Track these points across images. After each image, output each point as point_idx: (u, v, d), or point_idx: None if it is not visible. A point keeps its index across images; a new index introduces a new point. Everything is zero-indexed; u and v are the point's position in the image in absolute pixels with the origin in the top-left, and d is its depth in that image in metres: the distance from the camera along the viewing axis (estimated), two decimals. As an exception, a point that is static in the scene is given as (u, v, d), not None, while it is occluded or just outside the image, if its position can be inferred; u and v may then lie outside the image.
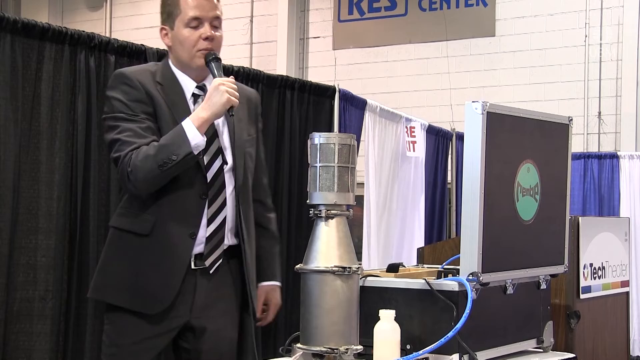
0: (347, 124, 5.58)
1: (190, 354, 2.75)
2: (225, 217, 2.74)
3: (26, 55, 3.58)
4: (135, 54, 4.03)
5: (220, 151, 2.74)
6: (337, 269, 2.60)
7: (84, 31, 3.83)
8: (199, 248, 2.70)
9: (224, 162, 2.74)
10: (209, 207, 2.70)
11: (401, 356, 2.66)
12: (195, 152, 2.60)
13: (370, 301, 2.78)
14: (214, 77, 2.75)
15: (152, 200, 2.64)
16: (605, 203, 7.73)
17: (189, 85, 2.77)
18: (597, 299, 4.22)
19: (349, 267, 2.61)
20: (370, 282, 2.89)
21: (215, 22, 2.76)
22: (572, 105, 8.73)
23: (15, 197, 3.53)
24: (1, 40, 3.47)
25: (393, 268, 3.25)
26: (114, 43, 3.94)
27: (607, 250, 4.36)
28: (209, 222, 2.71)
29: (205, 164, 2.70)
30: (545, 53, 8.98)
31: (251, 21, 10.55)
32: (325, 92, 5.48)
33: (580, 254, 4.11)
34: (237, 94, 2.67)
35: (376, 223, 5.93)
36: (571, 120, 3.28)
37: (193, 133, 2.58)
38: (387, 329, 2.67)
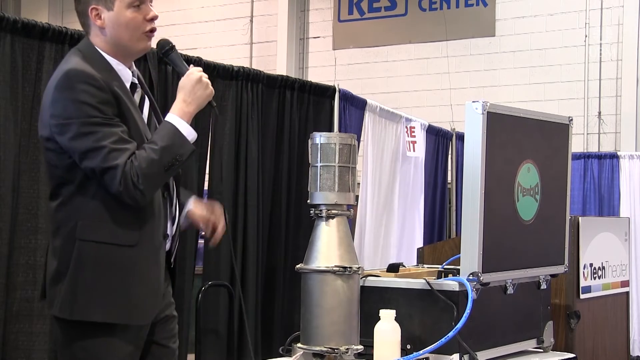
0: (347, 124, 5.58)
1: (160, 343, 2.65)
2: (176, 213, 2.68)
3: (26, 55, 3.58)
4: (135, 53, 4.02)
5: None
6: (337, 268, 2.60)
7: (84, 31, 3.82)
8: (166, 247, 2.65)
9: None
10: (170, 206, 2.65)
11: (401, 356, 2.66)
12: (194, 148, 2.53)
13: (371, 301, 2.78)
14: (179, 68, 2.66)
15: (130, 208, 2.48)
16: (605, 203, 7.73)
17: (125, 75, 2.59)
18: (597, 299, 4.22)
19: (350, 267, 2.61)
20: (371, 282, 2.89)
21: (151, 3, 2.63)
22: (572, 105, 8.72)
23: (15, 197, 3.53)
24: (1, 40, 3.47)
25: (393, 268, 3.25)
26: (114, 43, 3.93)
27: (607, 250, 4.36)
28: (173, 220, 2.65)
29: None
30: (545, 53, 8.97)
31: (251, 21, 10.55)
32: (325, 92, 5.48)
33: (580, 254, 4.11)
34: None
35: (374, 223, 5.93)
36: (571, 120, 3.28)
37: (187, 129, 2.50)
38: (387, 328, 2.67)
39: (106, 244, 2.48)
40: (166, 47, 2.66)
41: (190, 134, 2.51)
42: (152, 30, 2.59)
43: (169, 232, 2.62)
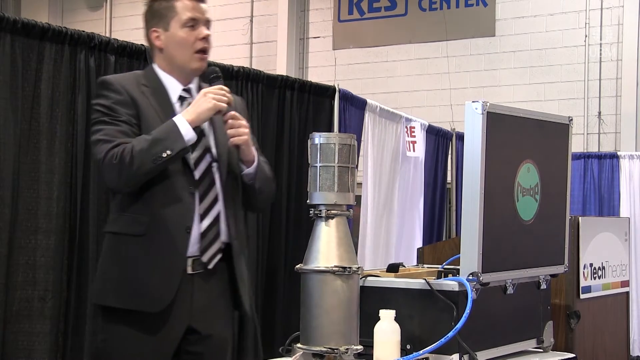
0: (347, 124, 5.58)
1: (194, 356, 2.75)
2: (219, 213, 2.76)
3: (26, 55, 3.58)
4: (135, 54, 4.03)
5: (207, 150, 2.78)
6: (337, 269, 2.60)
7: (84, 31, 3.83)
8: (194, 249, 2.70)
9: (213, 159, 2.77)
10: (200, 203, 2.72)
11: (401, 356, 2.66)
12: (187, 146, 2.66)
13: (371, 301, 2.78)
14: None
15: (144, 200, 2.67)
16: (605, 203, 7.72)
17: (175, 88, 2.81)
18: (597, 299, 4.22)
19: (349, 267, 2.61)
20: (371, 282, 2.89)
21: (207, 24, 2.83)
22: (572, 105, 8.72)
23: (14, 197, 3.53)
24: (1, 40, 3.47)
25: (393, 268, 3.25)
26: (114, 43, 3.94)
27: (607, 250, 4.36)
28: (202, 217, 2.72)
29: (193, 161, 2.73)
30: (545, 53, 8.97)
31: (251, 21, 10.54)
32: (325, 92, 5.47)
33: (580, 254, 4.11)
34: (226, 98, 2.73)
35: (374, 223, 5.93)
36: (571, 120, 3.28)
37: (185, 128, 2.65)
38: (387, 329, 2.67)
39: (120, 234, 2.71)
40: (212, 75, 2.82)
41: (188, 133, 2.65)
42: (204, 50, 2.79)
43: (194, 229, 2.69)
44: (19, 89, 3.53)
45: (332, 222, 2.64)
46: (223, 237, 2.77)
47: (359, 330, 2.67)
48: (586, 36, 8.75)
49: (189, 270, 2.70)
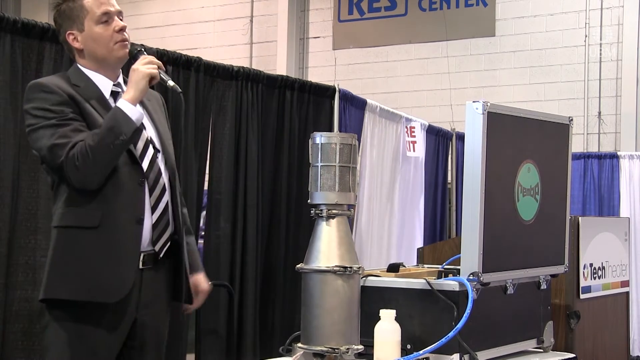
0: (347, 124, 5.58)
1: (133, 347, 2.76)
2: (167, 203, 2.79)
3: (26, 55, 3.58)
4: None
5: (150, 141, 2.79)
6: (338, 268, 2.60)
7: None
8: (147, 241, 2.73)
9: (156, 150, 2.80)
10: (150, 195, 2.74)
11: (402, 356, 2.66)
12: (138, 125, 2.67)
13: (371, 301, 2.79)
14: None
15: (94, 193, 2.67)
16: (605, 203, 7.72)
17: (105, 85, 2.81)
18: (597, 299, 4.22)
19: (350, 267, 2.61)
20: (371, 282, 2.89)
21: (120, 16, 2.84)
22: (572, 105, 8.73)
23: (14, 197, 3.53)
24: (1, 40, 3.47)
25: (393, 268, 3.25)
26: (114, 43, 3.93)
27: (607, 250, 4.36)
28: (153, 209, 2.74)
29: (138, 154, 2.74)
30: (545, 53, 8.98)
31: (251, 21, 10.55)
32: (325, 92, 5.47)
33: (580, 254, 4.11)
34: (154, 63, 2.75)
35: (374, 223, 5.93)
36: (571, 120, 3.28)
37: (130, 109, 2.66)
38: (387, 328, 2.67)
39: (71, 227, 2.68)
40: (135, 51, 2.85)
41: (134, 113, 2.67)
42: (124, 40, 2.82)
43: (145, 221, 2.71)
44: (19, 89, 3.53)
45: (333, 221, 2.64)
46: (171, 227, 2.80)
47: (360, 330, 2.68)
48: (586, 36, 8.75)
49: (140, 266, 2.71)
